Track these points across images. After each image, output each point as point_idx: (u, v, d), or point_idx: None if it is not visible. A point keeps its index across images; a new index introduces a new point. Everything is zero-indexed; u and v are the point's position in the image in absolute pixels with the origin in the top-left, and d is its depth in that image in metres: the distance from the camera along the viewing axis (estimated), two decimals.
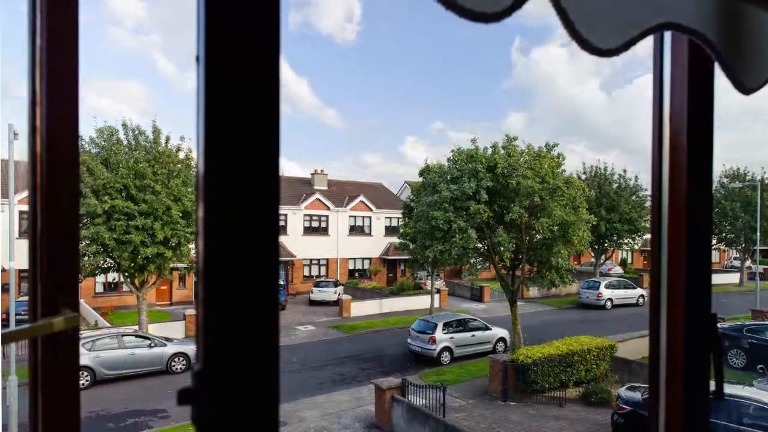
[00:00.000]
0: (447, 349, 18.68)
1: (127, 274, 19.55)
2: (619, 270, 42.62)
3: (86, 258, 18.46)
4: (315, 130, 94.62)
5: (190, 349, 17.62)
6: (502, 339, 19.89)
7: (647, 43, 1.11)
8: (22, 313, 17.32)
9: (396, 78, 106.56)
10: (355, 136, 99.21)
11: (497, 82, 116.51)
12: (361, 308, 28.26)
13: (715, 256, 53.69)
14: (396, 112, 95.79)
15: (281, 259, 32.74)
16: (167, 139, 19.91)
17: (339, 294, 30.53)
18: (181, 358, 17.42)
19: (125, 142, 19.18)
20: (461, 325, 19.56)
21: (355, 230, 38.77)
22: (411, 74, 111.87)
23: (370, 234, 39.22)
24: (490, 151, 17.99)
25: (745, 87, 1.13)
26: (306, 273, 36.63)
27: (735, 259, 49.41)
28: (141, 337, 17.70)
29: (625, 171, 33.34)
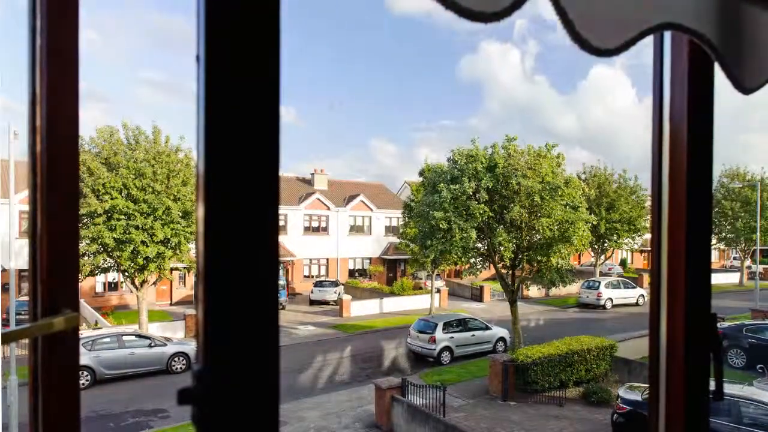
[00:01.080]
0: (447, 348, 18.68)
1: (127, 274, 19.55)
2: (618, 270, 42.64)
3: (86, 258, 18.47)
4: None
5: (190, 348, 17.62)
6: (502, 339, 19.89)
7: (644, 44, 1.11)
8: (23, 312, 17.33)
9: (347, 78, 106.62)
10: (320, 135, 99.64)
11: (455, 81, 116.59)
12: (361, 308, 28.26)
13: (714, 256, 53.72)
14: (356, 112, 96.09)
15: (281, 258, 32.76)
16: (167, 139, 19.93)
17: (339, 294, 30.52)
18: (181, 358, 17.42)
19: (125, 142, 19.19)
20: (461, 325, 19.56)
21: (355, 230, 38.77)
22: (363, 73, 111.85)
23: (370, 234, 39.24)
24: (490, 150, 18.00)
25: (745, 87, 1.14)
26: (306, 273, 36.63)
27: (735, 258, 49.42)
28: (141, 336, 17.70)
29: (624, 171, 33.39)
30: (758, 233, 30.40)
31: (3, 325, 17.02)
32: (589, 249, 30.97)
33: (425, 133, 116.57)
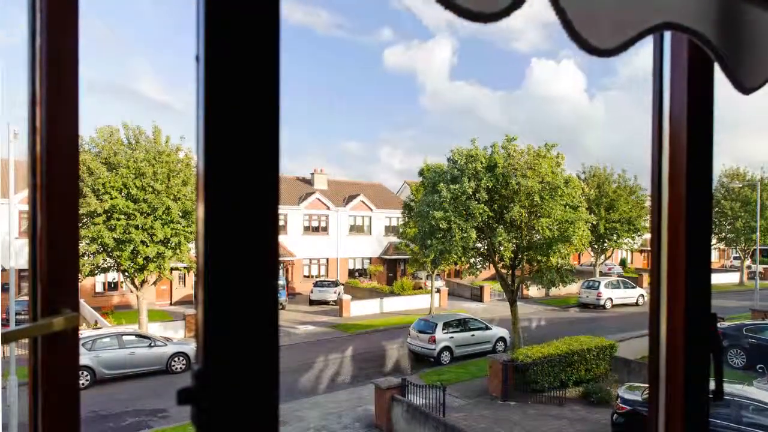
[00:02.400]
0: (447, 348, 18.68)
1: (126, 274, 19.54)
2: (618, 269, 42.64)
3: (86, 258, 18.47)
4: None
5: (190, 349, 17.62)
6: (501, 339, 19.89)
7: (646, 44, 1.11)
8: (22, 312, 17.33)
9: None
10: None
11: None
12: (360, 308, 28.26)
13: (714, 256, 53.74)
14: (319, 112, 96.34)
15: (281, 259, 32.76)
16: (167, 139, 19.93)
17: (339, 294, 30.53)
18: (181, 358, 17.42)
19: (125, 142, 19.19)
20: (461, 325, 19.56)
21: (355, 230, 38.77)
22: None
23: (369, 233, 39.24)
24: (489, 150, 18.01)
25: (745, 87, 1.14)
26: (306, 272, 36.64)
27: (735, 258, 49.45)
28: (141, 336, 17.70)
29: (624, 171, 33.40)
30: (758, 233, 30.41)
31: (3, 325, 17.04)
32: (589, 249, 30.98)
33: (386, 133, 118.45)
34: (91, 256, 18.54)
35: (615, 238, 32.53)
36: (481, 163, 17.33)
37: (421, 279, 35.21)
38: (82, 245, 18.05)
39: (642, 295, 30.44)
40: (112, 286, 29.93)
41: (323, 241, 37.12)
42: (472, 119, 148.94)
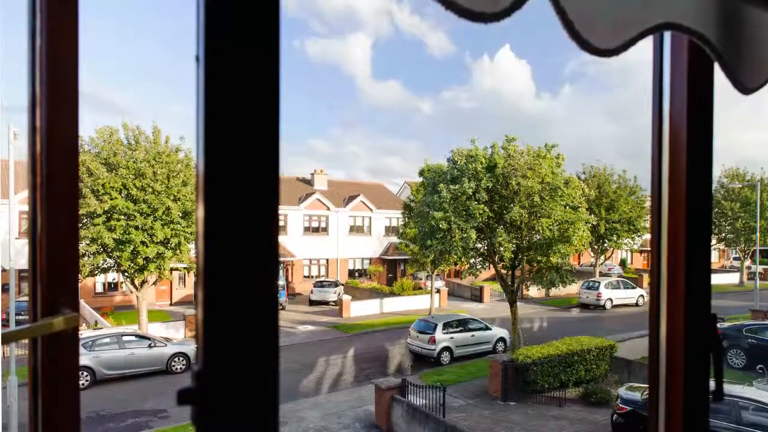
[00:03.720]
0: (447, 349, 18.68)
1: (126, 274, 19.54)
2: (618, 270, 42.63)
3: (86, 258, 18.46)
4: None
5: (190, 349, 17.62)
6: (501, 339, 19.89)
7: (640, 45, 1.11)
8: (23, 313, 17.33)
9: None
10: None
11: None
12: (360, 308, 28.25)
13: (714, 256, 53.75)
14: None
15: (281, 259, 32.76)
16: (167, 139, 19.93)
17: (339, 294, 30.52)
18: (181, 358, 17.42)
19: (125, 142, 19.19)
20: (461, 325, 19.56)
21: (355, 230, 38.77)
22: None
23: (369, 234, 39.24)
24: (489, 151, 18.00)
25: (745, 87, 1.14)
26: (306, 273, 36.63)
27: (735, 259, 49.47)
28: (141, 337, 17.70)
29: (624, 171, 33.39)
30: (758, 233, 30.41)
31: (3, 325, 17.05)
32: (589, 249, 30.94)
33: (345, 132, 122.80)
34: (91, 256, 18.53)
35: (615, 238, 32.49)
36: (481, 163, 17.33)
37: (421, 279, 35.21)
38: (82, 245, 18.05)
39: (642, 296, 30.44)
40: (112, 287, 29.93)
41: (323, 241, 37.11)
42: (422, 117, 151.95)
